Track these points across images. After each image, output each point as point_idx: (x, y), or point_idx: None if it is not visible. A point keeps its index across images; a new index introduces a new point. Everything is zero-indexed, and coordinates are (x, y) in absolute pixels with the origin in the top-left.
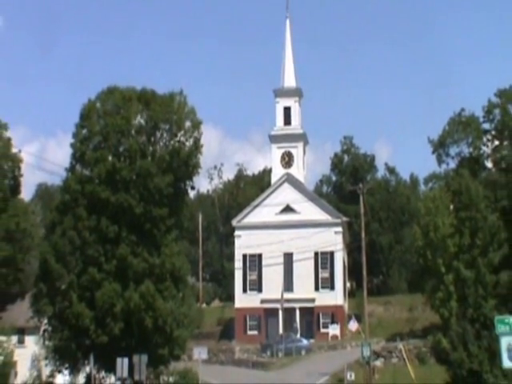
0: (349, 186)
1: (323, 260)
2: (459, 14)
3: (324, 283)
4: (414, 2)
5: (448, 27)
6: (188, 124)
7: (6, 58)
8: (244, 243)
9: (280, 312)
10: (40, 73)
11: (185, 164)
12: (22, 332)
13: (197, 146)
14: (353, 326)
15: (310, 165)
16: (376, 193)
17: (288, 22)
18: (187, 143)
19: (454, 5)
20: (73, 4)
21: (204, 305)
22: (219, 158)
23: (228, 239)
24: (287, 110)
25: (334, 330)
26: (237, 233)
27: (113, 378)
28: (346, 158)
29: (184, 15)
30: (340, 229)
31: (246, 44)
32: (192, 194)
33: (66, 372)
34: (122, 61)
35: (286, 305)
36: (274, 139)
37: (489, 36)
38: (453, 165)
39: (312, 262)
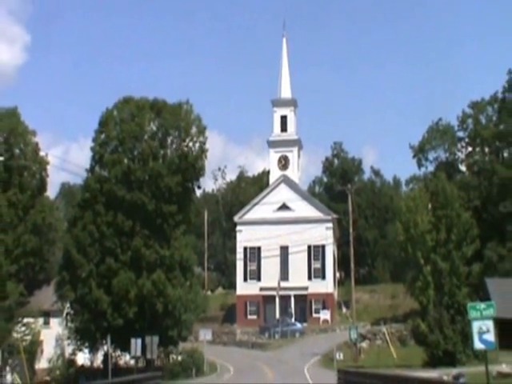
0: (338, 186)
1: (315, 252)
2: (446, 22)
3: (316, 273)
4: (408, 16)
5: (428, 38)
6: (194, 130)
7: (35, 73)
8: (245, 237)
9: (277, 299)
10: (60, 83)
11: (192, 166)
12: (47, 315)
13: (202, 150)
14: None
15: (304, 167)
16: (363, 193)
17: (284, 39)
18: (194, 148)
19: (446, 13)
20: (90, 20)
21: (209, 292)
22: (223, 160)
23: (230, 233)
24: (284, 119)
25: (324, 315)
26: (238, 228)
27: (127, 357)
28: (336, 161)
29: (192, 34)
30: (330, 225)
31: (247, 60)
32: (198, 192)
33: (86, 350)
34: (137, 74)
35: (282, 292)
36: (272, 144)
37: (472, 45)
38: (431, 168)
39: (305, 254)
